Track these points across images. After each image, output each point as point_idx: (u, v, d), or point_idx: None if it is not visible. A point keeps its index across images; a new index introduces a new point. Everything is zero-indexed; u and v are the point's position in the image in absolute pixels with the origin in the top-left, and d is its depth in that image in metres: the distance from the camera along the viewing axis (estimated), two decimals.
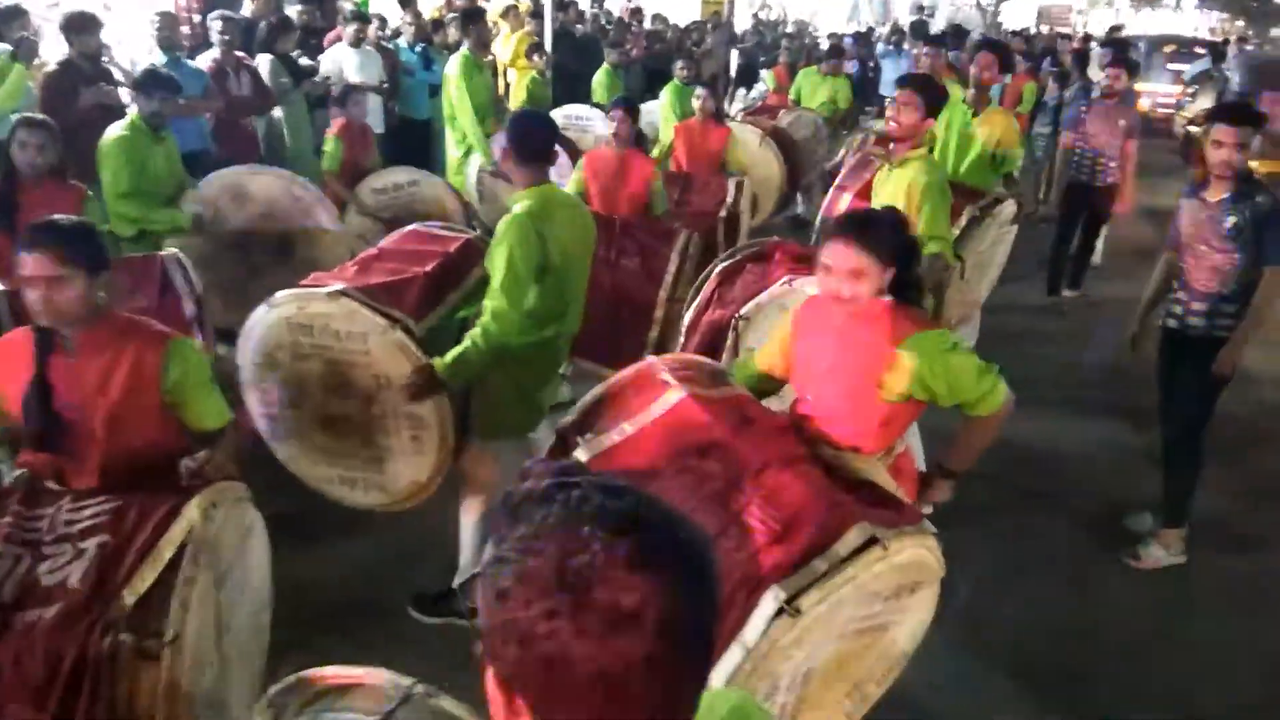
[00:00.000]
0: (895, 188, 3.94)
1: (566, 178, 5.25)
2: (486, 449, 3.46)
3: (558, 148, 3.40)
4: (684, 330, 4.08)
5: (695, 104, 6.56)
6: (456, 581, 3.50)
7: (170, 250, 4.05)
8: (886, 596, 2.26)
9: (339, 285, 3.36)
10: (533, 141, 3.25)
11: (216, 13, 6.75)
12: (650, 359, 2.87)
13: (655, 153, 6.71)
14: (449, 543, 3.56)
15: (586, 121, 7.89)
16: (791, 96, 9.23)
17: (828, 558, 2.04)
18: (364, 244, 4.82)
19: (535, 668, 0.84)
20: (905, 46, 11.45)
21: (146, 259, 3.94)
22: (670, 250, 4.67)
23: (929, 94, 3.98)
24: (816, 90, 9.09)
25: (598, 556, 0.83)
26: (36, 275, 2.27)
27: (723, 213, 5.84)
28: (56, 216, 2.47)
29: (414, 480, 3.51)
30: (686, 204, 5.86)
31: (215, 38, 6.54)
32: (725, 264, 4.15)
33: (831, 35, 14.29)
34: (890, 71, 9.50)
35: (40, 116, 4.30)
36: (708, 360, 2.99)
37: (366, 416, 3.45)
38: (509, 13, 9.88)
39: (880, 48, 12.14)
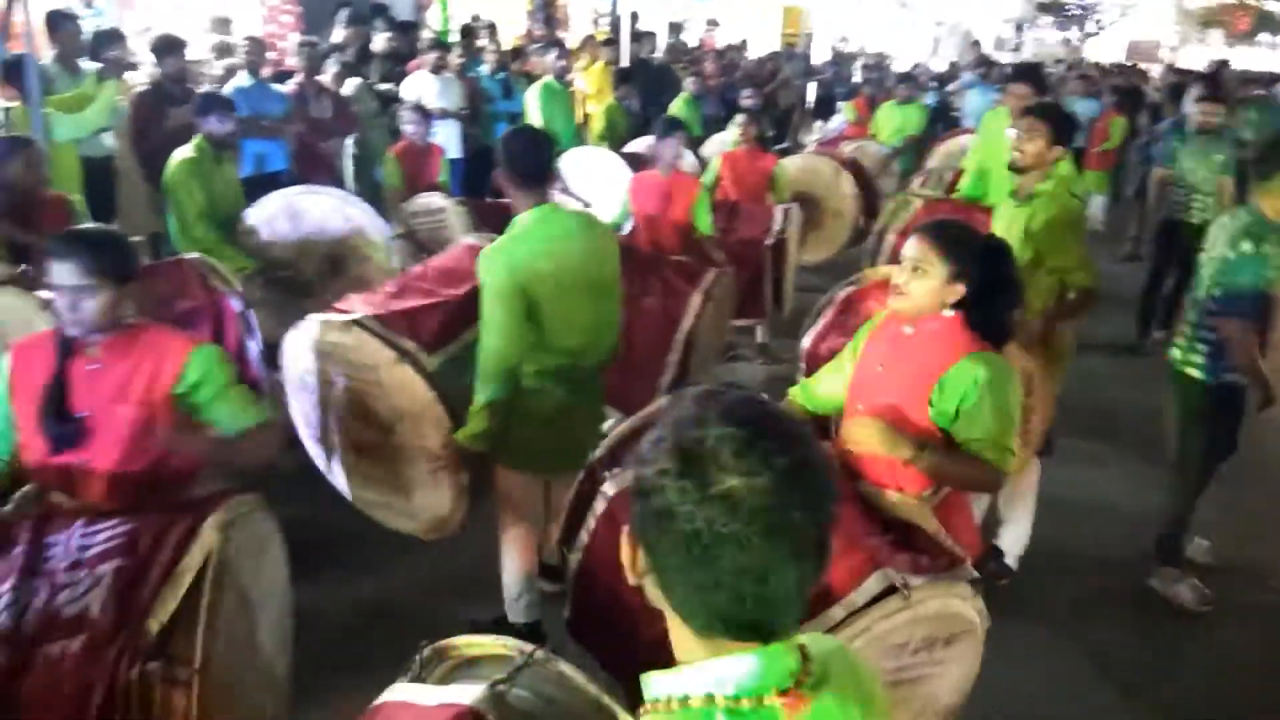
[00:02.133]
0: (1020, 223, 3.61)
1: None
2: (515, 478, 3.25)
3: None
4: (802, 357, 3.90)
5: (736, 132, 6.47)
6: (509, 613, 3.36)
7: (195, 255, 4.10)
8: (916, 649, 2.14)
9: (358, 313, 3.29)
10: (527, 161, 3.00)
11: (300, 39, 6.92)
12: (686, 390, 2.76)
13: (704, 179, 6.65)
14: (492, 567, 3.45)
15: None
16: (871, 130, 9.11)
17: (845, 605, 1.95)
18: (411, 263, 4.85)
19: (649, 519, 1.00)
20: (989, 78, 11.25)
21: (178, 262, 4.00)
22: (693, 291, 4.50)
23: (1056, 121, 3.71)
24: (890, 119, 8.97)
25: (710, 435, 0.98)
26: (63, 284, 2.29)
27: (769, 240, 5.74)
28: (86, 226, 2.48)
29: (438, 515, 3.38)
30: (733, 232, 5.77)
31: (297, 63, 6.71)
32: (848, 290, 4.01)
33: (916, 67, 14.11)
34: (975, 103, 9.29)
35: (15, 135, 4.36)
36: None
37: (389, 446, 3.37)
38: (587, 43, 9.96)
39: (966, 77, 11.90)
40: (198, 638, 1.92)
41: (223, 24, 8.85)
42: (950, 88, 12.34)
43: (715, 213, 5.52)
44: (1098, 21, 30.51)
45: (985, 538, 3.84)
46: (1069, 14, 29.88)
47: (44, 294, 3.43)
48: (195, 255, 4.12)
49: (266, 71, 6.87)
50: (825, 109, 11.22)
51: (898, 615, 2.01)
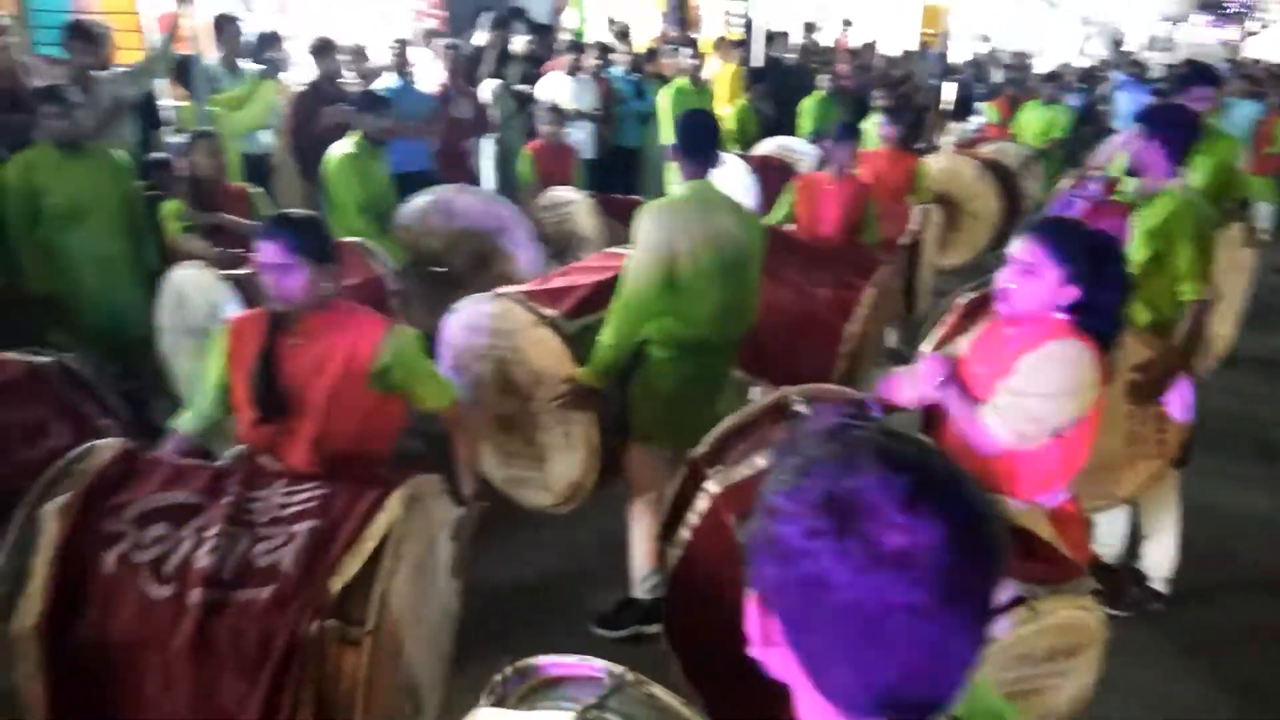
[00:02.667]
0: (1142, 227, 3.45)
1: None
2: (643, 454, 3.41)
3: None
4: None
5: (877, 133, 6.33)
6: (635, 591, 3.46)
7: (356, 239, 4.38)
8: (1040, 659, 2.10)
9: (502, 289, 3.53)
10: (694, 137, 3.28)
11: (445, 41, 7.15)
12: (785, 389, 2.77)
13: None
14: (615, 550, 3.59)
15: (797, 155, 7.75)
16: (1012, 130, 8.82)
17: None
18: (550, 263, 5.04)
19: (792, 587, 0.85)
20: (1141, 78, 10.74)
21: (339, 244, 4.21)
22: (867, 283, 4.50)
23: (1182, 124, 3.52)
24: (1034, 120, 8.66)
25: (870, 488, 0.83)
26: (269, 262, 2.48)
27: (905, 240, 5.63)
28: (290, 210, 2.71)
29: (570, 480, 3.53)
30: None
31: (442, 65, 6.93)
32: (971, 297, 3.93)
33: (1061, 66, 13.58)
34: (1126, 104, 8.88)
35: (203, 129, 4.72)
36: (846, 390, 2.88)
37: (526, 414, 3.53)
38: (720, 44, 9.95)
39: (1117, 77, 11.38)
40: (373, 602, 2.02)
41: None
42: (1100, 89, 11.84)
43: None
44: (1259, 19, 28.67)
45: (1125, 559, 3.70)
46: (1227, 11, 28.20)
47: (230, 272, 3.76)
48: (353, 239, 4.36)
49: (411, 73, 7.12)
50: (963, 110, 10.90)
51: (1025, 626, 1.97)
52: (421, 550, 2.27)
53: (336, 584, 2.05)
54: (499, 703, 1.47)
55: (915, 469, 0.84)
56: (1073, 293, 2.29)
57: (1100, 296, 2.30)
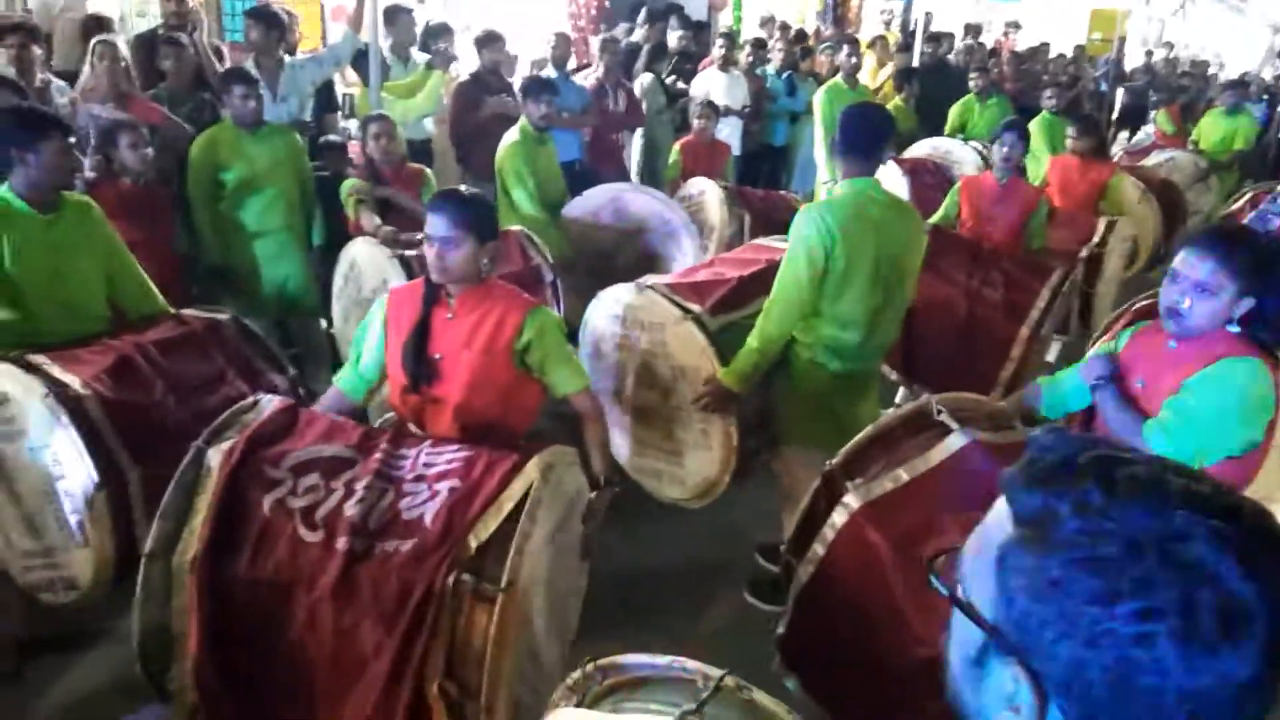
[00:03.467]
0: None
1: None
2: (797, 456, 3.36)
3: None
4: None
5: (1067, 142, 6.06)
6: None
7: (518, 227, 4.50)
8: None
9: (648, 280, 3.54)
10: (855, 132, 3.14)
11: (603, 34, 7.26)
12: (926, 397, 2.65)
13: None
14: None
15: (952, 157, 7.51)
16: (1193, 138, 8.31)
17: None
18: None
19: (1100, 675, 0.70)
20: None
21: (504, 232, 4.32)
22: (1042, 286, 4.34)
23: None
24: (1215, 129, 8.13)
25: (1201, 547, 0.67)
26: (434, 234, 2.57)
27: (1085, 252, 5.36)
28: (460, 187, 2.81)
29: (706, 477, 3.52)
30: (1048, 239, 5.42)
31: (599, 59, 7.04)
32: (1144, 303, 3.76)
33: (1245, 75, 12.71)
34: None
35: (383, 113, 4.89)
36: (986, 400, 2.74)
37: (667, 409, 3.55)
38: (876, 43, 9.75)
39: None
40: (508, 562, 2.06)
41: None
42: None
43: None
44: None
45: None
46: None
47: (400, 251, 3.94)
48: (517, 227, 4.50)
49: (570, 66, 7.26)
50: (1136, 118, 10.33)
51: None
52: (556, 518, 2.31)
53: (473, 541, 2.11)
54: (580, 702, 1.41)
55: (1239, 517, 0.70)
56: (1247, 304, 2.15)
57: (1274, 306, 2.15)
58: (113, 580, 2.72)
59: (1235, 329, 2.20)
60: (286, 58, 5.52)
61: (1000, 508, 0.81)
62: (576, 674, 1.44)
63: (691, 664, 1.40)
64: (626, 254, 5.13)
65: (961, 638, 0.83)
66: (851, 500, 2.38)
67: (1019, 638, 0.75)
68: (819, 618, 2.43)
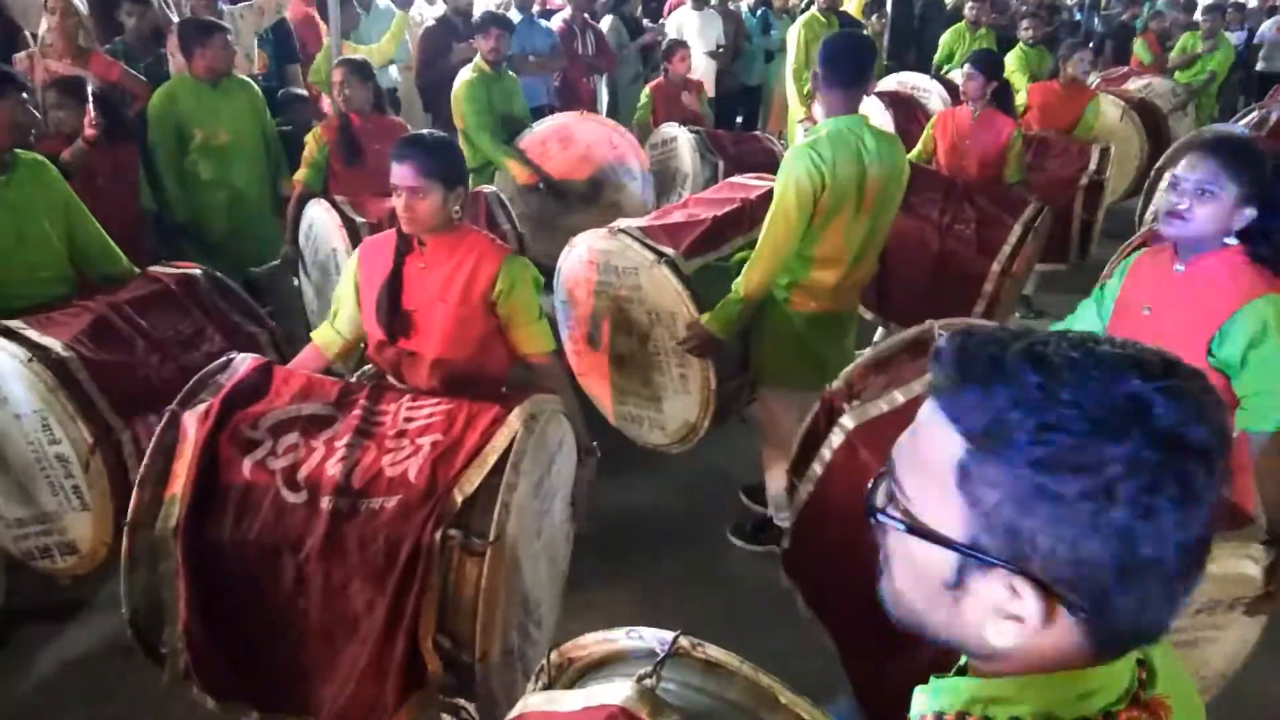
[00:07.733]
0: None
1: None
2: (775, 397, 3.36)
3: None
4: None
5: (1069, 69, 5.94)
6: (772, 513, 3.46)
7: (491, 188, 4.48)
8: (1198, 610, 2.00)
9: (620, 224, 3.49)
10: (843, 64, 2.99)
11: None
12: (929, 322, 2.66)
13: None
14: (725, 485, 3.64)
15: (924, 93, 7.40)
16: (1170, 64, 8.26)
17: None
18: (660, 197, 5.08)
19: (1108, 560, 0.71)
20: None
21: (474, 194, 4.26)
22: (1014, 222, 4.30)
23: None
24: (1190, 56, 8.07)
25: (1165, 409, 0.69)
26: (401, 184, 2.49)
27: (1084, 180, 5.33)
28: (424, 132, 2.70)
29: (685, 421, 3.53)
30: (1043, 170, 5.40)
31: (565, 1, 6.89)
32: (1146, 232, 3.76)
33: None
34: None
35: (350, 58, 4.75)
36: (991, 324, 2.74)
37: (644, 354, 3.53)
38: None
39: None
40: (494, 514, 2.05)
41: None
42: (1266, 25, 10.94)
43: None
44: None
45: None
46: None
47: (352, 216, 3.91)
48: (489, 188, 4.51)
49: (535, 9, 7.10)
50: (1119, 50, 10.19)
51: None
52: (540, 468, 2.29)
53: (458, 495, 2.09)
54: (549, 686, 1.45)
55: (1171, 370, 0.72)
56: (1250, 215, 2.14)
57: (1277, 222, 2.14)
58: (113, 541, 2.68)
59: (1234, 241, 2.20)
60: (225, 7, 5.35)
61: (931, 424, 0.79)
62: (542, 663, 1.48)
63: (648, 632, 1.43)
64: (578, 182, 5.15)
65: (924, 564, 0.80)
66: (847, 421, 2.43)
67: (1011, 548, 0.73)
68: (818, 536, 2.49)
